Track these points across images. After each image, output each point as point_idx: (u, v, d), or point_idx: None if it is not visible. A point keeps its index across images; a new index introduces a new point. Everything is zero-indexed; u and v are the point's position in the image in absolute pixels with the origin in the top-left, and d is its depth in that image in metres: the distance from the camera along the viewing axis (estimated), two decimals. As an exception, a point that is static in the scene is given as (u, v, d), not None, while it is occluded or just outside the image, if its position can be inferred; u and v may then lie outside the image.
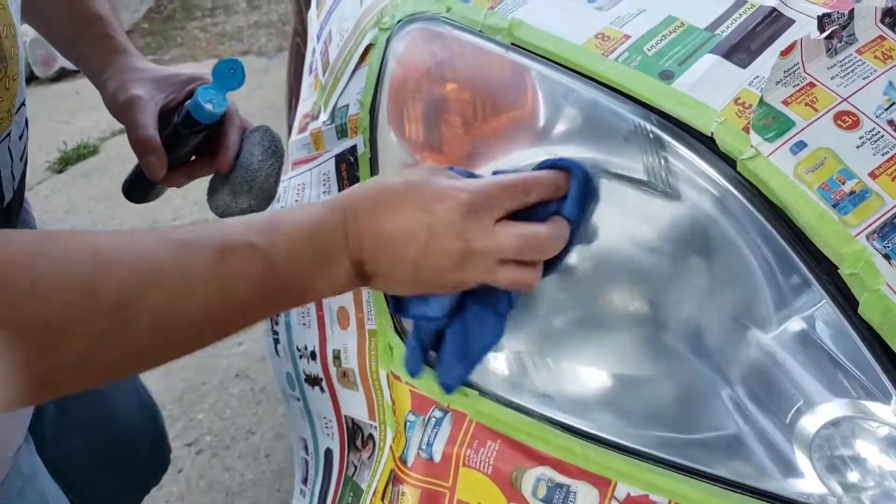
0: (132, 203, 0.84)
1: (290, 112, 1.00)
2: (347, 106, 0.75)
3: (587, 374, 0.63)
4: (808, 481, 0.55)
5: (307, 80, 0.90)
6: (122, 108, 0.71)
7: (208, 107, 0.70)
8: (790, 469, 0.55)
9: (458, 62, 0.65)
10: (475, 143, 0.64)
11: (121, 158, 2.62)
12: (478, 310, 0.58)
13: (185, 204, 2.27)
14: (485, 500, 0.60)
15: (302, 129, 0.87)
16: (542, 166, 0.55)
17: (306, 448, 0.85)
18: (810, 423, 0.55)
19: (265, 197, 0.75)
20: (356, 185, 0.65)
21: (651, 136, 0.55)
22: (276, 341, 0.87)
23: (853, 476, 0.54)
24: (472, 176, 0.57)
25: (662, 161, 0.55)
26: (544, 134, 0.61)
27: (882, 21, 0.54)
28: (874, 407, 0.53)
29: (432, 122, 0.66)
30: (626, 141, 0.56)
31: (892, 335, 0.49)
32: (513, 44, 0.62)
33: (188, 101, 0.71)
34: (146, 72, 0.74)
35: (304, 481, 0.84)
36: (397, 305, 0.58)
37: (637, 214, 0.58)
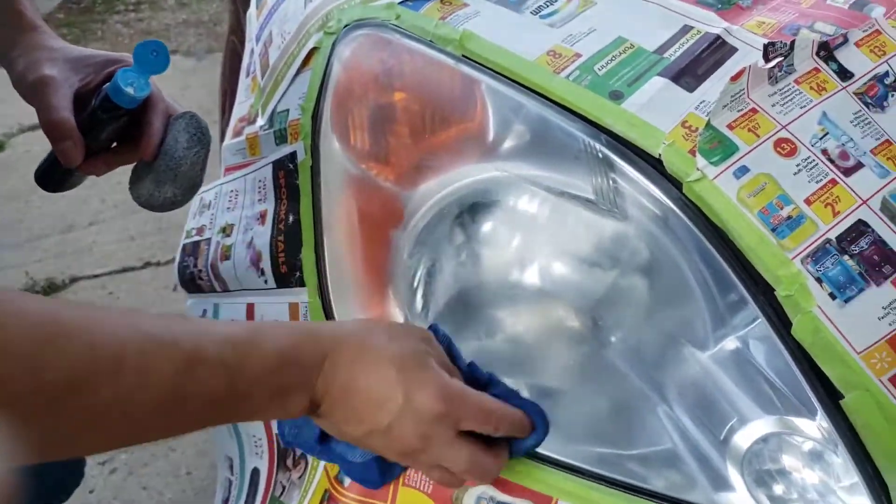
0: (46, 192, 0.78)
1: (223, 116, 0.96)
2: (288, 111, 0.72)
3: (529, 391, 0.63)
4: (739, 495, 0.56)
5: (244, 83, 0.87)
6: (31, 89, 0.66)
7: (129, 90, 0.66)
8: (722, 483, 0.56)
9: (407, 71, 0.64)
10: (423, 155, 0.63)
11: (30, 157, 2.47)
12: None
13: (105, 208, 2.15)
14: (424, 520, 0.59)
15: (237, 134, 0.83)
16: (507, 396, 0.56)
17: (231, 467, 0.81)
18: (743, 440, 0.56)
19: (190, 186, 0.72)
20: (350, 321, 0.63)
21: (600, 155, 0.55)
22: (204, 353, 0.83)
23: (779, 489, 0.56)
24: (450, 354, 0.57)
25: (610, 181, 0.55)
26: (493, 149, 0.60)
27: (818, 54, 0.57)
28: (801, 423, 0.55)
29: (379, 131, 0.64)
30: (575, 159, 0.57)
31: (821, 355, 0.50)
32: (463, 55, 0.61)
33: (107, 84, 0.67)
34: (60, 51, 0.69)
35: (225, 502, 0.81)
36: (322, 436, 0.57)
37: (583, 233, 0.59)
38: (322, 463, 0.66)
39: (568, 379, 0.62)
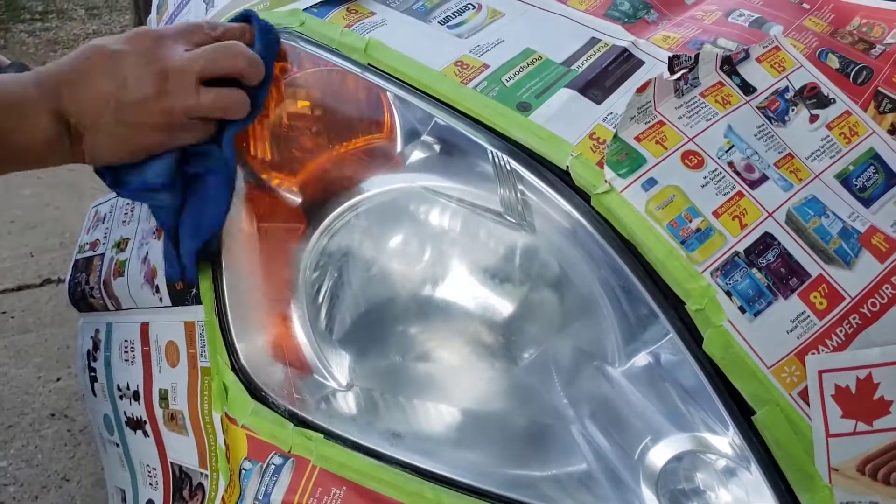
0: None
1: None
2: (186, 119, 0.68)
3: (439, 412, 0.61)
4: (653, 516, 0.55)
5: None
6: None
7: None
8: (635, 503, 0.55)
9: (311, 80, 0.61)
10: (328, 166, 0.60)
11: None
12: (202, 176, 0.59)
13: (2, 223, 2.02)
14: (327, 554, 0.55)
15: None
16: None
17: (124, 500, 0.75)
18: (657, 458, 0.55)
19: None
20: None
21: (508, 167, 0.54)
22: (94, 379, 0.77)
23: (694, 509, 0.55)
24: None
25: (518, 193, 0.54)
26: (401, 160, 0.58)
27: (721, 68, 0.57)
28: (714, 440, 0.54)
29: (282, 141, 0.61)
30: (483, 171, 0.55)
31: (732, 370, 0.50)
32: (369, 64, 0.59)
33: None
34: None
35: (120, 539, 0.75)
36: (115, 180, 0.58)
37: (492, 246, 0.57)
38: (220, 494, 0.62)
39: (479, 399, 0.60)
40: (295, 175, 0.61)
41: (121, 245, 0.78)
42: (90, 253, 0.85)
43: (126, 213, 0.79)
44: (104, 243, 0.82)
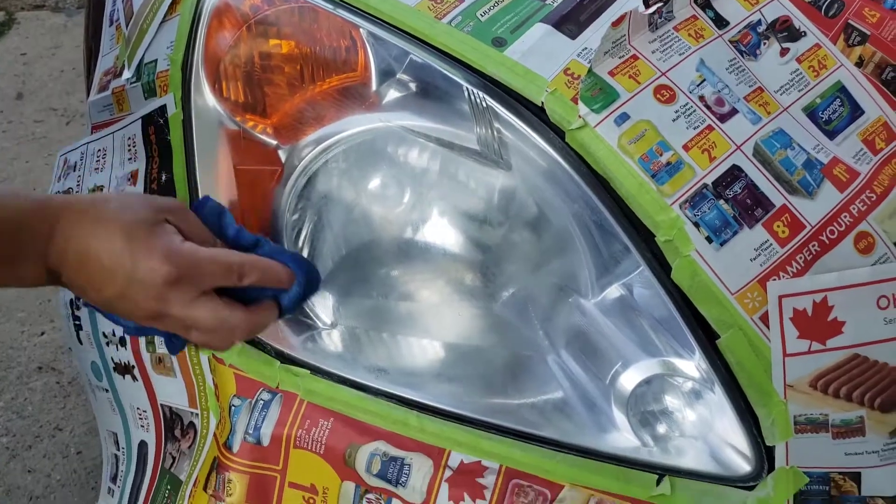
0: None
1: (88, 76, 0.88)
2: (155, 61, 0.67)
3: (422, 346, 0.63)
4: (624, 435, 0.58)
5: (108, 32, 0.80)
6: None
7: None
8: (608, 426, 0.58)
9: (282, 17, 0.60)
10: (302, 107, 0.60)
11: None
12: None
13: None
14: (318, 481, 0.58)
15: (102, 88, 0.77)
16: (271, 253, 0.54)
17: (117, 442, 0.77)
18: (627, 383, 0.58)
19: None
20: (86, 194, 0.65)
21: (484, 104, 0.54)
22: (79, 328, 0.78)
23: (662, 428, 0.58)
24: (220, 228, 0.55)
25: (494, 131, 0.55)
26: (377, 99, 0.58)
27: (695, 2, 0.57)
28: (681, 364, 0.57)
29: (254, 81, 0.61)
30: (458, 109, 0.55)
31: (698, 297, 0.52)
32: (341, 0, 0.58)
33: None
34: None
35: (114, 479, 0.77)
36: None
37: (472, 186, 0.58)
38: (212, 430, 0.64)
39: (460, 333, 0.62)
40: (269, 116, 0.61)
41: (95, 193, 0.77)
42: (65, 200, 0.84)
43: (98, 161, 0.78)
44: (78, 191, 0.81)
